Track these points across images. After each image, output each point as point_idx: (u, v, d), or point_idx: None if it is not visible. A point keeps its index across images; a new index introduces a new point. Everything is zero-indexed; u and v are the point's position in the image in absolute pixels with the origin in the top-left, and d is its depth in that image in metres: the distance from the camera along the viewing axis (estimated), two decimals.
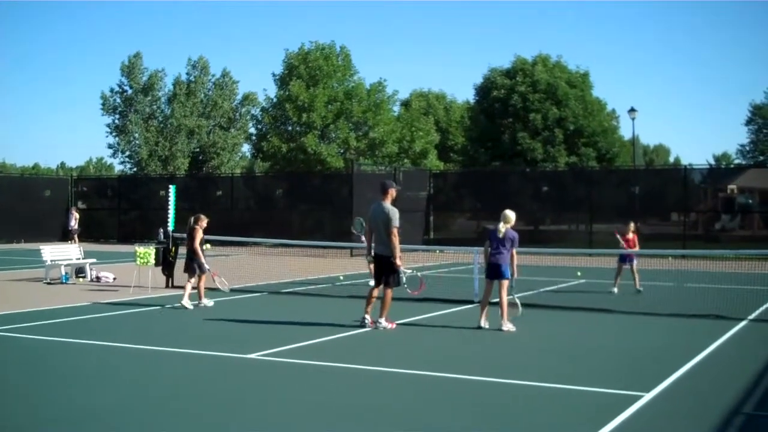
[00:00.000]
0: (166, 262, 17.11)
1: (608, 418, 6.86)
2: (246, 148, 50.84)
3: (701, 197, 31.98)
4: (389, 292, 11.75)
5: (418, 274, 14.25)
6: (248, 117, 49.20)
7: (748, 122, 56.84)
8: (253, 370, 9.03)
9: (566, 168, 35.81)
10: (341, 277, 19.51)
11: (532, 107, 37.61)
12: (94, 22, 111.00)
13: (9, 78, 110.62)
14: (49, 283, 17.91)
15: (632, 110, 38.80)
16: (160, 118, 49.01)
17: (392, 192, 11.92)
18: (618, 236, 16.95)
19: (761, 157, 53.88)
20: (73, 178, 42.04)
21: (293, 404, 7.50)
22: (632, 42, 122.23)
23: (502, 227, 11.74)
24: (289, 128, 39.06)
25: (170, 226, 17.36)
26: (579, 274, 20.17)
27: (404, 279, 12.77)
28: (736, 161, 59.27)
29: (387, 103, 39.40)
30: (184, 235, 14.90)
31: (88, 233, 34.46)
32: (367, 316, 11.78)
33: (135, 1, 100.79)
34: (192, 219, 14.53)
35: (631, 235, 16.73)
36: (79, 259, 19.22)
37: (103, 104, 48.37)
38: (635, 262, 16.73)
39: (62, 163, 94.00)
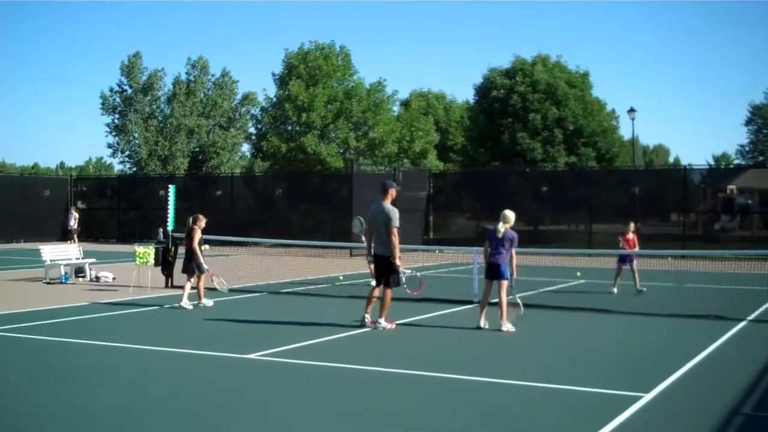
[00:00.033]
0: (165, 262, 17.10)
1: (608, 418, 6.86)
2: (245, 148, 50.91)
3: (701, 197, 31.98)
4: (389, 293, 11.75)
5: (418, 274, 14.26)
6: (248, 117, 49.21)
7: (748, 122, 56.88)
8: (252, 370, 9.03)
9: (566, 168, 35.81)
10: (341, 277, 19.51)
11: (531, 107, 37.61)
12: (94, 22, 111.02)
13: (9, 78, 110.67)
14: (48, 283, 17.90)
15: (632, 110, 38.82)
16: (160, 118, 49.01)
17: (392, 192, 11.92)
18: (621, 241, 16.84)
19: (761, 158, 53.90)
20: (73, 177, 42.02)
21: (293, 404, 7.50)
22: (632, 42, 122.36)
23: (502, 227, 11.74)
24: (289, 128, 39.06)
25: (170, 226, 17.36)
26: (578, 274, 20.17)
27: (404, 279, 12.79)
28: (736, 161, 59.34)
29: (387, 103, 39.40)
30: (183, 235, 14.91)
31: (88, 233, 34.46)
32: (367, 316, 11.78)
33: (135, 1, 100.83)
34: (191, 219, 14.53)
35: (630, 235, 16.73)
36: (78, 258, 19.22)
37: (103, 104, 48.38)
38: (635, 262, 16.72)
39: (62, 163, 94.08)
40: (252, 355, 9.64)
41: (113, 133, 48.47)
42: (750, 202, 32.37)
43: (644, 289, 16.42)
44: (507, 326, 11.57)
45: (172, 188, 18.24)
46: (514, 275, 11.92)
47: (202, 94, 49.60)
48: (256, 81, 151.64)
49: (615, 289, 16.39)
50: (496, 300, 11.80)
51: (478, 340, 11.12)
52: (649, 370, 9.05)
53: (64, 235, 33.09)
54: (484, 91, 40.75)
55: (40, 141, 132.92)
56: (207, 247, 14.60)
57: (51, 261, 18.44)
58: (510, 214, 11.86)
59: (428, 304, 14.23)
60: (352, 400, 7.69)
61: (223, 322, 12.42)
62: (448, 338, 11.29)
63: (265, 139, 39.14)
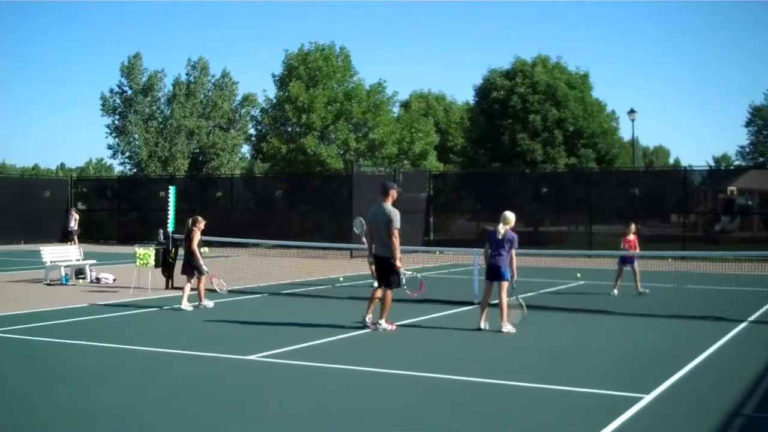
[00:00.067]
0: (165, 264, 17.10)
1: (608, 419, 6.87)
2: (246, 149, 50.87)
3: (701, 199, 31.98)
4: (389, 293, 11.75)
5: (418, 275, 14.26)
6: (248, 118, 49.19)
7: (748, 124, 56.89)
8: (252, 371, 9.03)
9: (566, 169, 35.82)
10: (341, 279, 19.51)
11: (531, 108, 37.63)
12: (94, 23, 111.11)
13: (9, 78, 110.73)
14: (48, 284, 17.91)
15: (632, 111, 38.81)
16: (160, 119, 49.00)
17: (393, 193, 11.92)
18: (623, 242, 16.78)
19: (761, 159, 53.92)
20: (73, 179, 42.04)
21: (293, 405, 7.50)
22: (632, 43, 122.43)
23: (501, 228, 11.75)
24: (289, 129, 39.07)
25: (170, 227, 17.37)
26: (578, 275, 20.18)
27: (404, 280, 12.80)
28: (736, 163, 59.37)
29: (387, 104, 39.42)
30: (183, 237, 14.91)
31: (88, 234, 34.46)
32: (368, 317, 11.79)
33: (135, 2, 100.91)
34: (190, 221, 14.53)
35: (631, 237, 16.71)
36: (78, 260, 19.23)
37: (103, 105, 48.37)
38: (636, 263, 16.67)
39: (62, 164, 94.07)
40: (252, 356, 9.64)
41: (113, 135, 48.48)
42: (750, 203, 32.37)
43: (647, 291, 16.36)
44: (507, 327, 11.57)
45: (172, 189, 18.24)
46: (515, 276, 11.92)
47: (202, 95, 49.60)
48: (256, 82, 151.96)
49: (615, 291, 16.38)
50: (497, 301, 11.80)
51: (478, 341, 11.12)
52: (649, 371, 9.06)
53: (65, 237, 33.08)
54: (484, 92, 40.77)
55: (40, 142, 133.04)
56: (206, 249, 14.61)
57: (51, 262, 18.44)
58: (510, 216, 11.87)
59: (428, 305, 14.23)
60: (352, 401, 7.70)
61: (223, 324, 12.43)
62: (449, 339, 11.29)
63: (265, 141, 39.15)
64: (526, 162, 36.93)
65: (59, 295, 15.92)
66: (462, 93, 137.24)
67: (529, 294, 15.09)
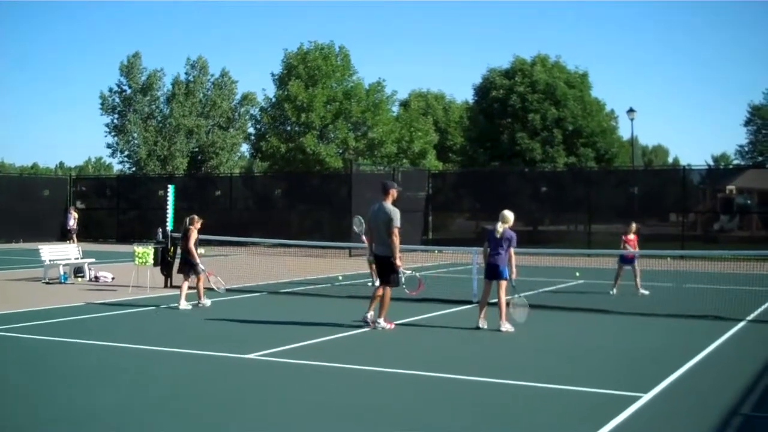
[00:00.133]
0: (164, 262, 17.10)
1: (607, 418, 6.87)
2: (245, 148, 50.88)
3: (700, 198, 31.99)
4: (388, 292, 11.76)
5: (417, 274, 14.27)
6: (247, 117, 49.18)
7: (747, 123, 56.90)
8: (252, 370, 9.03)
9: (565, 168, 35.84)
10: (340, 277, 19.51)
11: (530, 107, 37.64)
12: (94, 22, 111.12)
13: (8, 78, 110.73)
14: (47, 283, 17.90)
15: (631, 111, 38.82)
16: (159, 118, 48.97)
17: (393, 192, 11.93)
18: (626, 243, 16.70)
19: (760, 158, 53.92)
20: (72, 177, 42.00)
21: (292, 404, 7.51)
22: (631, 42, 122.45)
23: (500, 227, 11.75)
24: (288, 128, 39.07)
25: (169, 226, 17.37)
26: (578, 274, 20.18)
27: (403, 279, 12.82)
28: (735, 162, 59.38)
29: (386, 103, 39.42)
30: (180, 236, 14.91)
31: (87, 233, 34.45)
32: (369, 314, 11.79)
33: (134, 1, 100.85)
34: (187, 220, 14.50)
35: (632, 236, 16.67)
36: (77, 258, 19.23)
37: (102, 104, 48.34)
38: (636, 262, 16.60)
39: (61, 163, 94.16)
40: (251, 355, 9.64)
41: (112, 133, 48.45)
42: (749, 202, 32.39)
43: (646, 292, 16.27)
44: (506, 326, 11.58)
45: (171, 188, 18.24)
46: (514, 275, 11.93)
47: (202, 95, 49.57)
48: (256, 81, 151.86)
49: (614, 290, 16.36)
50: (496, 300, 11.81)
51: (477, 340, 11.12)
52: (648, 370, 9.06)
53: (64, 235, 33.09)
54: (483, 91, 40.77)
55: (39, 141, 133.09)
56: (202, 250, 14.58)
57: (50, 261, 18.44)
58: (509, 215, 11.87)
59: (427, 304, 14.24)
60: (352, 400, 7.70)
61: (222, 322, 12.43)
62: (448, 338, 11.29)
63: (264, 140, 39.15)
64: (525, 161, 36.94)
65: (58, 294, 15.92)
66: (461, 92, 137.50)
67: (528, 293, 15.06)
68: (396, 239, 11.55)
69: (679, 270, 21.93)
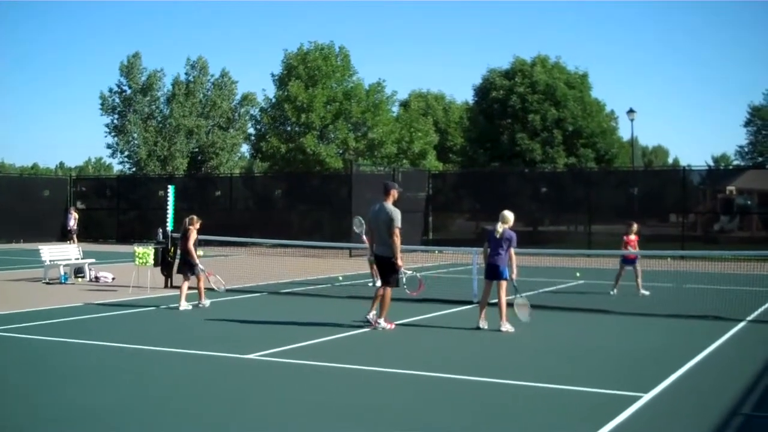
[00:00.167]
0: (164, 263, 17.11)
1: (607, 418, 6.87)
2: (245, 149, 50.87)
3: (700, 198, 31.99)
4: (388, 292, 11.76)
5: (418, 275, 14.28)
6: (247, 117, 49.18)
7: (747, 123, 56.89)
8: (252, 371, 9.03)
9: (565, 169, 35.84)
10: (340, 278, 19.51)
11: (530, 108, 37.64)
12: (94, 22, 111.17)
13: (8, 78, 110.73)
14: (48, 283, 17.90)
15: (631, 111, 38.82)
16: (159, 118, 48.98)
17: (394, 193, 11.94)
18: (627, 243, 16.66)
19: (760, 159, 53.93)
20: (72, 178, 42.01)
21: (292, 404, 7.51)
22: (631, 43, 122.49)
23: (500, 227, 11.76)
24: (288, 128, 39.07)
25: (169, 226, 17.37)
26: (578, 274, 20.18)
27: (404, 280, 12.82)
28: (735, 162, 59.37)
29: (386, 104, 39.43)
30: (179, 236, 14.91)
31: (87, 233, 34.46)
32: (372, 314, 11.80)
33: (134, 1, 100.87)
34: (186, 220, 14.48)
35: (633, 237, 16.65)
36: (77, 259, 19.23)
37: (102, 104, 48.34)
38: (638, 263, 16.56)
39: (61, 163, 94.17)
40: (251, 355, 9.64)
41: (112, 134, 48.46)
42: (749, 202, 32.38)
43: (647, 293, 16.26)
44: (506, 326, 11.58)
45: (171, 189, 18.24)
46: (515, 276, 11.92)
47: (202, 95, 49.58)
48: (256, 81, 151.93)
49: (614, 291, 16.34)
50: (496, 300, 11.81)
51: (477, 340, 11.13)
52: (648, 370, 9.06)
53: (64, 236, 33.09)
54: (483, 91, 40.78)
55: (39, 141, 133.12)
56: (200, 252, 14.58)
57: (50, 261, 18.44)
58: (509, 215, 11.88)
59: (428, 304, 14.24)
60: (352, 400, 7.70)
61: (222, 322, 12.43)
62: (448, 338, 11.29)
63: (264, 140, 39.15)
64: (525, 161, 36.94)
65: (58, 294, 15.92)
66: (461, 92, 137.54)
67: (528, 293, 15.06)
68: (397, 239, 11.56)
69: (680, 270, 21.93)
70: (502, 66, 40.64)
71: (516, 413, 7.32)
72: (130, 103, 48.19)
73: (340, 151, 38.10)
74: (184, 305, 13.72)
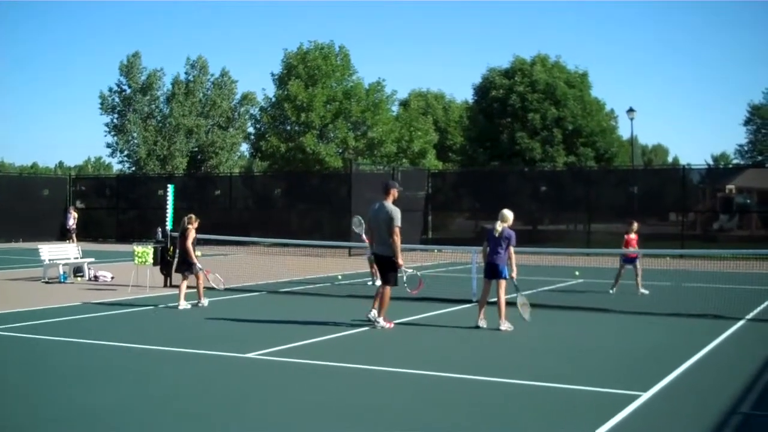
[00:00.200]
0: (164, 262, 17.11)
1: (606, 417, 6.87)
2: (244, 148, 50.83)
3: (699, 197, 32.00)
4: (387, 291, 11.76)
5: (418, 273, 14.29)
6: (247, 116, 49.15)
7: (747, 122, 56.92)
8: (251, 370, 9.03)
9: (565, 168, 35.84)
10: (339, 277, 19.51)
11: (530, 107, 37.63)
12: (93, 22, 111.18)
13: (8, 78, 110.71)
14: (47, 283, 17.90)
15: (631, 110, 38.83)
16: (159, 118, 48.94)
17: (394, 192, 11.95)
18: (628, 242, 16.62)
19: (759, 157, 53.94)
20: (72, 177, 42.02)
21: (292, 403, 7.50)
22: (631, 42, 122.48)
23: (499, 226, 11.75)
24: (288, 128, 39.07)
25: (168, 226, 17.37)
26: (577, 273, 20.18)
27: (405, 278, 12.83)
28: (735, 161, 59.42)
29: (386, 103, 39.42)
30: (177, 235, 14.90)
31: (87, 232, 34.46)
32: (373, 312, 11.80)
33: (134, 1, 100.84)
34: (185, 219, 14.46)
35: (633, 235, 16.64)
36: (77, 258, 19.22)
37: (102, 104, 48.30)
38: (638, 262, 16.55)
39: (60, 163, 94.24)
40: (251, 355, 9.64)
41: (112, 133, 48.42)
42: (748, 201, 32.40)
43: (646, 292, 16.25)
44: (505, 325, 11.58)
45: (170, 188, 18.24)
46: (515, 274, 11.91)
47: (201, 94, 49.55)
48: (255, 81, 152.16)
49: (614, 289, 16.33)
50: (495, 299, 11.81)
51: (476, 339, 11.12)
52: (647, 369, 9.06)
53: (63, 235, 33.10)
54: (483, 90, 40.77)
55: (39, 141, 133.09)
56: (198, 253, 14.57)
57: (50, 260, 18.44)
58: (508, 214, 11.87)
59: (427, 303, 14.24)
60: (351, 400, 7.70)
61: (221, 322, 12.43)
62: (447, 337, 11.29)
63: (264, 139, 39.15)
64: (524, 161, 36.94)
65: (57, 294, 15.91)
66: (461, 92, 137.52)
67: (528, 292, 15.06)
68: (397, 239, 11.56)
69: (679, 269, 21.95)
70: (502, 65, 40.71)
71: (515, 412, 7.32)
72: (129, 102, 48.16)
73: (340, 151, 38.09)
74: (183, 304, 13.72)
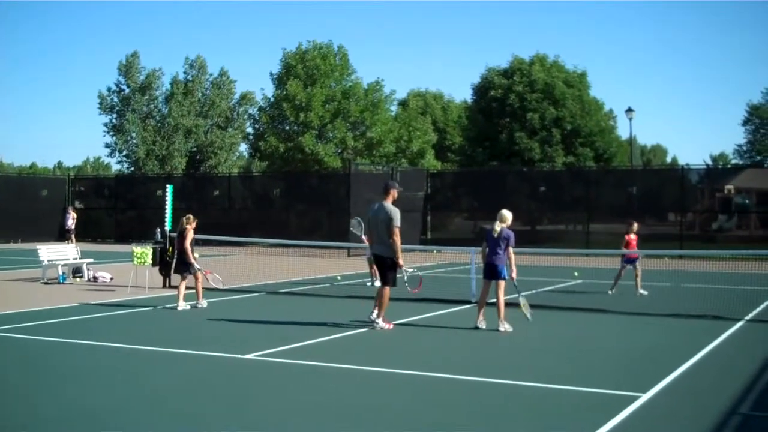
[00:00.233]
0: (163, 262, 17.10)
1: (605, 418, 6.87)
2: (243, 148, 50.87)
3: (698, 197, 32.02)
4: (387, 291, 11.75)
5: (419, 273, 14.30)
6: (246, 116, 49.19)
7: (745, 122, 56.94)
8: (250, 371, 9.03)
9: (563, 168, 35.85)
10: (339, 277, 19.51)
11: (529, 107, 37.64)
12: (92, 22, 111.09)
13: (7, 78, 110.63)
14: (46, 283, 17.89)
15: (630, 110, 38.84)
16: (158, 118, 48.96)
17: (394, 192, 11.95)
18: (625, 241, 16.62)
19: (758, 158, 53.97)
20: (71, 177, 41.98)
21: (291, 404, 7.50)
22: (630, 42, 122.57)
23: (498, 227, 11.75)
24: (287, 128, 39.06)
25: (167, 226, 17.36)
26: (576, 274, 20.18)
27: (406, 278, 12.84)
28: (733, 161, 59.47)
29: (384, 103, 39.42)
30: (176, 235, 14.89)
31: (85, 233, 34.44)
32: (375, 313, 11.80)
33: (133, 1, 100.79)
34: (183, 219, 14.45)
35: (633, 236, 16.63)
36: (76, 258, 19.21)
37: (101, 103, 48.32)
38: (638, 262, 16.54)
39: (59, 163, 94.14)
40: (250, 356, 9.64)
41: (111, 133, 48.44)
42: (747, 201, 32.41)
43: (645, 292, 16.24)
44: (504, 326, 11.58)
45: (169, 188, 18.23)
46: (515, 275, 11.90)
47: (200, 94, 49.57)
48: (254, 81, 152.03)
49: (613, 290, 16.32)
50: (494, 300, 11.81)
51: (476, 340, 11.12)
52: (646, 369, 9.07)
53: (62, 235, 33.07)
54: (481, 90, 40.78)
55: (37, 141, 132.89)
56: (196, 254, 14.56)
57: (48, 261, 18.42)
58: (507, 214, 11.87)
59: (426, 304, 14.24)
60: (350, 400, 7.70)
61: (220, 322, 12.42)
62: (446, 338, 11.29)
63: (262, 139, 39.14)
64: (523, 160, 36.94)
65: (56, 294, 15.90)
66: (460, 91, 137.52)
67: (527, 293, 15.05)
68: (397, 239, 11.56)
69: (678, 269, 21.95)
70: (501, 65, 40.72)
71: (514, 413, 7.32)
72: (128, 102, 48.16)
73: (339, 151, 38.09)
74: (182, 305, 13.71)
